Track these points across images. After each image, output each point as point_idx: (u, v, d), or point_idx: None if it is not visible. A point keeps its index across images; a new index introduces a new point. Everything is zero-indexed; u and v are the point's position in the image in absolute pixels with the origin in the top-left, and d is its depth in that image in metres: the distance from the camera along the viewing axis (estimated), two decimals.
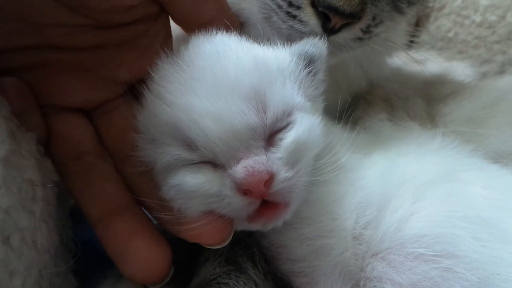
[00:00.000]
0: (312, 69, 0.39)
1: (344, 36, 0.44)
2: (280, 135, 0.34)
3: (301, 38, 0.43)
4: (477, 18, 0.78)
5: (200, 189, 0.33)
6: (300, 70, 0.38)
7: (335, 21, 0.42)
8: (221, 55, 0.36)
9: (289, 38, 0.44)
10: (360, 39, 0.45)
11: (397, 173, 0.39)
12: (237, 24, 0.47)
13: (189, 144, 0.34)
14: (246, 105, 0.33)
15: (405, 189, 0.37)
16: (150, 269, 0.36)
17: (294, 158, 0.34)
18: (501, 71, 0.79)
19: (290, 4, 0.43)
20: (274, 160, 0.33)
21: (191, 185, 0.33)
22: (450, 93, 0.57)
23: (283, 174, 0.33)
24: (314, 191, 0.37)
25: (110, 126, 0.42)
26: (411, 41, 0.89)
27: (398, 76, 0.62)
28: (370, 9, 0.44)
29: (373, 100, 0.58)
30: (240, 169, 0.32)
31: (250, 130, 0.33)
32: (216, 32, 0.40)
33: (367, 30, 0.45)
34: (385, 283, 0.34)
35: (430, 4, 0.83)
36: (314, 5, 0.42)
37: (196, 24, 0.42)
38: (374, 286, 0.35)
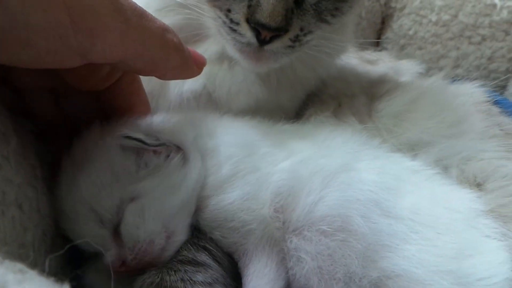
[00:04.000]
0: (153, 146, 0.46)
1: (276, 45, 0.52)
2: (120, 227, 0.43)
3: (241, 46, 0.53)
4: (433, 17, 0.87)
5: None
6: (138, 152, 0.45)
7: (264, 34, 0.51)
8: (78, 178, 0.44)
9: (235, 47, 0.54)
10: (291, 46, 0.53)
11: (308, 166, 0.48)
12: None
13: None
14: (89, 225, 0.44)
15: (315, 179, 0.46)
16: None
17: (138, 238, 0.43)
18: (456, 65, 0.88)
19: (231, 21, 0.52)
20: (122, 252, 0.42)
21: None
22: (386, 91, 0.65)
23: (128, 258, 0.42)
24: (227, 196, 0.45)
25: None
26: (378, 39, 0.98)
27: (347, 76, 0.70)
28: (297, 23, 0.52)
29: (324, 98, 0.67)
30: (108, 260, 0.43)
31: (100, 239, 0.43)
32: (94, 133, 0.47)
33: (296, 39, 0.53)
34: (300, 252, 0.44)
35: (393, 5, 0.92)
36: (248, 21, 0.51)
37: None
38: (293, 254, 0.45)
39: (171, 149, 0.47)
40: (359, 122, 0.62)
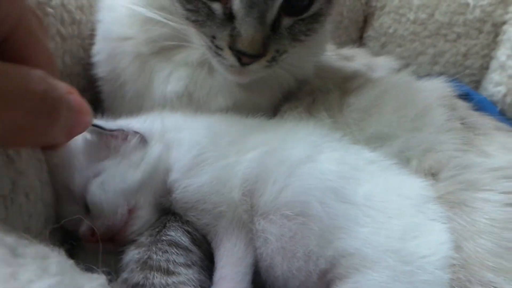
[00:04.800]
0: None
1: (255, 67, 0.58)
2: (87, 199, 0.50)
3: (226, 67, 0.59)
4: (411, 16, 0.91)
5: None
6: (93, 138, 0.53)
7: (245, 59, 0.57)
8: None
9: (220, 66, 0.60)
10: (268, 66, 0.59)
11: (274, 157, 0.53)
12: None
13: None
14: (68, 203, 0.51)
15: (280, 168, 0.52)
16: None
17: (102, 208, 0.49)
18: (434, 62, 0.92)
19: (216, 47, 0.58)
20: (91, 223, 0.49)
21: None
22: (358, 86, 0.69)
23: (100, 229, 0.49)
24: (196, 180, 0.51)
25: None
26: (360, 36, 1.03)
27: (322, 72, 0.74)
28: (273, 47, 0.57)
29: (299, 95, 0.71)
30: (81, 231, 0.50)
31: (74, 214, 0.50)
32: None
33: (272, 60, 0.59)
34: (267, 233, 0.50)
35: (374, 4, 0.96)
36: (230, 48, 0.56)
37: None
38: (261, 235, 0.50)
39: (127, 133, 0.53)
40: (330, 116, 0.66)
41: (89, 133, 0.53)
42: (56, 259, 0.35)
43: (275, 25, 0.57)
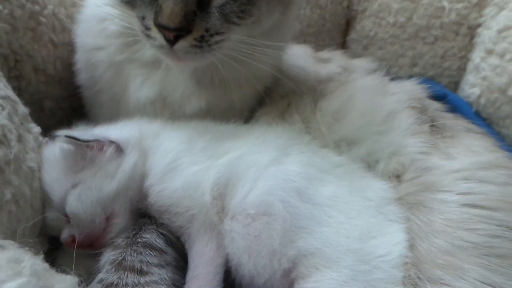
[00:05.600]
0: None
1: (181, 44, 0.56)
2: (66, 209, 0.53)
3: (157, 48, 0.58)
4: (391, 20, 0.93)
5: None
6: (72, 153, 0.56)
7: (168, 34, 0.55)
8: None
9: (154, 49, 0.60)
10: (198, 46, 0.57)
11: (243, 161, 0.56)
12: None
13: None
14: (50, 211, 0.55)
15: (250, 172, 0.55)
16: None
17: (80, 218, 0.53)
18: (414, 64, 0.94)
19: (146, 28, 0.58)
20: (71, 230, 0.53)
21: None
22: (330, 90, 0.71)
23: (76, 234, 0.53)
24: (170, 185, 0.54)
25: None
26: (344, 39, 1.05)
27: (297, 75, 0.76)
28: (200, 24, 0.55)
29: (274, 98, 0.73)
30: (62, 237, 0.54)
31: (56, 221, 0.53)
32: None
33: (202, 39, 0.56)
34: (234, 232, 0.53)
35: (355, 8, 0.98)
36: (156, 25, 0.56)
37: None
38: (228, 235, 0.53)
39: (103, 143, 0.56)
40: (303, 121, 0.68)
41: (66, 144, 0.56)
42: (30, 262, 0.39)
43: (203, 2, 0.56)
